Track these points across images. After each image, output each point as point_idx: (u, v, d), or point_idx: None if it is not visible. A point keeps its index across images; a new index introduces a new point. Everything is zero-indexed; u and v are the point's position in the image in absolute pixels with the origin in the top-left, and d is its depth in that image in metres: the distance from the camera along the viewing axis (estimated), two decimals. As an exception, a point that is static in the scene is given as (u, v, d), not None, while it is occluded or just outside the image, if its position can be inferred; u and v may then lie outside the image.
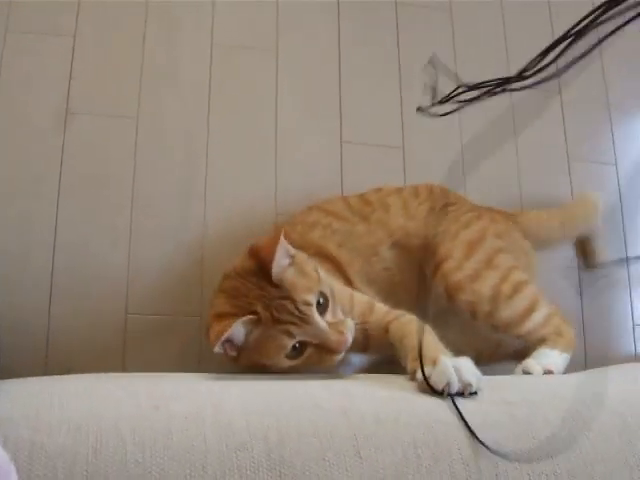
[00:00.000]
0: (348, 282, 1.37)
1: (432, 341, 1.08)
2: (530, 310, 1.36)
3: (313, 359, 1.13)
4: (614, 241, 1.74)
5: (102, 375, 1.07)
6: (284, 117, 1.64)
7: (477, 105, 1.72)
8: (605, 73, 1.88)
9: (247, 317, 1.09)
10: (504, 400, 0.94)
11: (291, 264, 1.15)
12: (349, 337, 1.12)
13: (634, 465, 0.87)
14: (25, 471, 0.78)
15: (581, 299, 1.67)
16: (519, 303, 1.36)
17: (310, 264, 1.18)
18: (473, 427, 0.87)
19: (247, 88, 1.65)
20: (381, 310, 1.26)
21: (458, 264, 1.37)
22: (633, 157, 1.84)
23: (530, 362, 1.30)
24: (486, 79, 1.23)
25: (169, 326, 1.47)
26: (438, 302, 1.38)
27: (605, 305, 1.69)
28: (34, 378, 1.03)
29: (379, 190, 1.51)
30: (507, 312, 1.34)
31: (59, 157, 1.49)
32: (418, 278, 1.41)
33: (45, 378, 1.04)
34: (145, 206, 1.51)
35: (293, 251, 1.18)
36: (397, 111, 1.69)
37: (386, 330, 1.20)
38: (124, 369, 1.39)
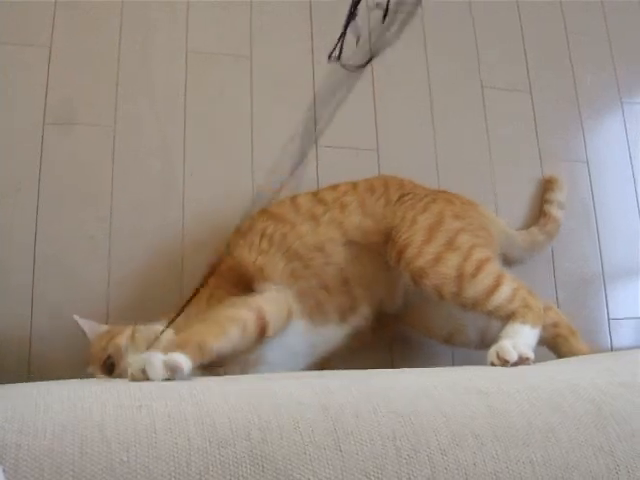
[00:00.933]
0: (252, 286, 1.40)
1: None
2: (495, 285, 1.38)
3: None
4: (588, 237, 1.78)
5: (84, 381, 1.08)
6: (259, 123, 1.67)
7: (451, 104, 1.77)
8: (574, 71, 1.92)
9: None
10: (480, 391, 0.96)
11: None
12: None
13: (608, 451, 0.89)
14: (12, 473, 0.78)
15: (556, 293, 1.70)
16: (484, 280, 1.38)
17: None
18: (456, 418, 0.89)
19: (222, 94, 1.67)
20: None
21: (419, 250, 1.39)
22: (604, 154, 1.87)
23: (505, 346, 1.27)
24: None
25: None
26: (408, 289, 1.44)
27: (581, 299, 1.73)
28: (17, 384, 1.04)
29: (335, 188, 1.53)
30: (473, 290, 1.37)
31: (38, 167, 1.50)
32: (377, 272, 1.45)
33: (28, 384, 1.05)
34: (124, 214, 1.52)
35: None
36: (371, 114, 1.72)
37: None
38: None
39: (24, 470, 0.79)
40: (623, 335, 1.72)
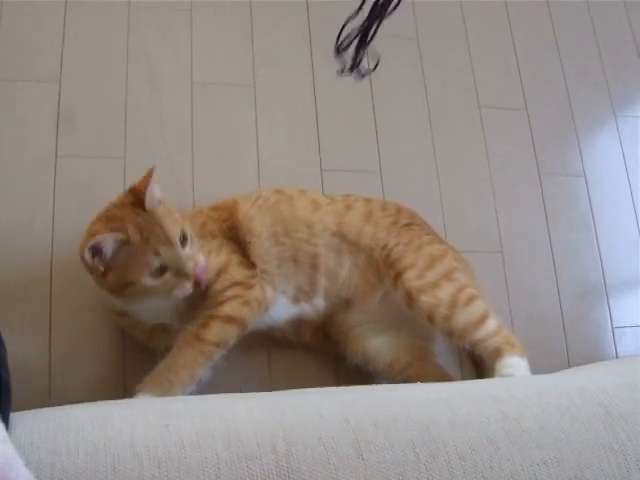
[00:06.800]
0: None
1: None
2: (484, 318, 1.44)
3: (170, 282, 1.27)
4: (588, 248, 1.82)
5: (111, 402, 1.11)
6: (265, 150, 1.70)
7: (449, 124, 1.81)
8: (568, 87, 1.97)
9: (118, 233, 1.23)
10: (493, 398, 1.00)
11: (160, 203, 1.30)
12: (201, 266, 1.30)
13: (618, 450, 0.93)
14: (48, 492, 0.82)
15: (560, 304, 1.73)
16: (474, 311, 1.44)
17: (175, 210, 1.33)
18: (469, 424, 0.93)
19: (228, 123, 1.71)
20: (235, 275, 1.38)
21: (420, 273, 1.45)
22: (600, 167, 1.92)
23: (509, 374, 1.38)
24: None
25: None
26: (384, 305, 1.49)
27: (584, 309, 1.76)
28: (45, 409, 1.07)
29: (348, 195, 1.57)
30: (463, 318, 1.42)
31: (52, 199, 1.54)
32: (350, 275, 1.48)
33: (56, 408, 1.07)
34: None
35: (160, 196, 1.32)
36: (373, 137, 1.76)
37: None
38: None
39: (60, 489, 0.83)
40: (627, 343, 1.74)
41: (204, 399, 1.08)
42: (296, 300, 1.45)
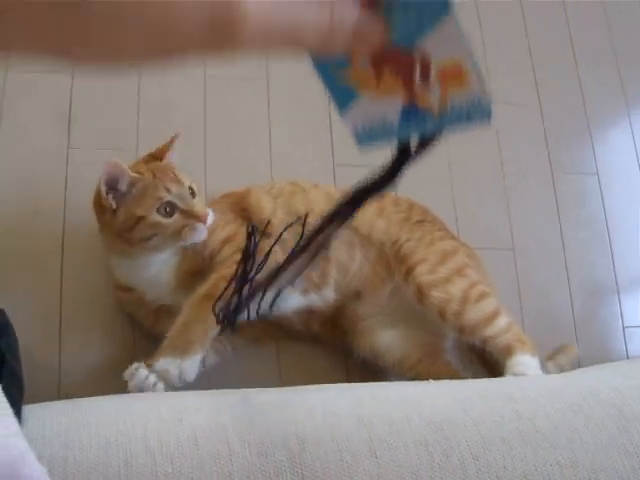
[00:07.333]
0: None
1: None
2: (495, 314, 1.43)
3: (180, 224, 1.30)
4: (600, 247, 1.81)
5: (124, 395, 1.11)
6: (278, 144, 1.69)
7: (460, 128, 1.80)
8: (582, 85, 1.96)
9: (133, 172, 1.28)
10: (506, 396, 1.00)
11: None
12: (210, 216, 1.32)
13: (632, 452, 0.92)
14: (61, 486, 0.82)
15: (572, 303, 1.73)
16: (485, 308, 1.42)
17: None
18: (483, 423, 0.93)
19: (241, 117, 1.71)
20: (241, 242, 1.38)
21: (432, 268, 1.43)
22: (613, 165, 1.91)
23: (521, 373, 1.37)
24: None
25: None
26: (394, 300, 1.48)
27: (595, 308, 1.75)
28: (60, 401, 1.07)
29: None
30: (475, 314, 1.41)
31: (62, 191, 1.54)
32: (361, 269, 1.47)
33: (68, 401, 1.08)
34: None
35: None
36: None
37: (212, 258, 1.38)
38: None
39: (73, 482, 0.83)
40: (637, 342, 1.74)
41: (216, 394, 1.08)
42: (305, 292, 1.44)
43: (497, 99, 1.83)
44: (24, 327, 1.10)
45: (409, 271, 1.44)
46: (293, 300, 1.43)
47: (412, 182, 1.67)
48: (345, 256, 1.46)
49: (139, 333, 1.49)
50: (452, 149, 1.78)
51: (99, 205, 1.32)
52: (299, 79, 1.77)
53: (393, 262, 1.47)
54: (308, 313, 1.47)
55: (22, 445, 0.78)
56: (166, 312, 1.41)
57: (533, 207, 1.81)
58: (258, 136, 1.70)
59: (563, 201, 1.83)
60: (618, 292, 1.77)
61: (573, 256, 1.77)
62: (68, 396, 1.15)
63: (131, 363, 1.29)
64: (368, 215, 1.49)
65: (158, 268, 1.37)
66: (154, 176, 1.31)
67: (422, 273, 1.42)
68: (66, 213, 1.53)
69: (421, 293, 1.41)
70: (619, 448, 0.93)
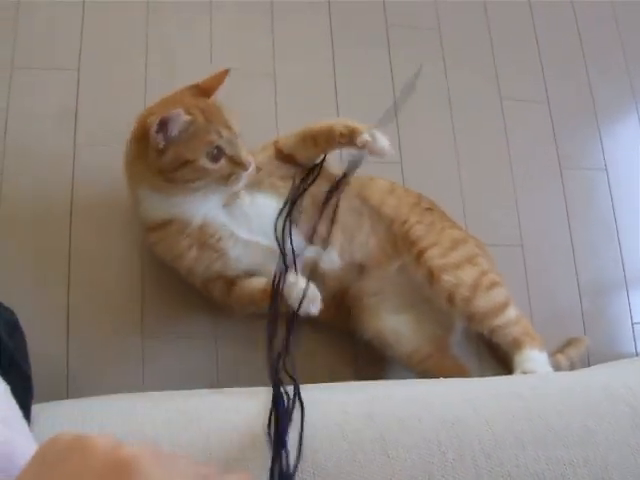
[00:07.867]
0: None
1: None
2: (505, 305, 1.43)
3: (225, 170, 1.28)
4: (609, 243, 1.80)
5: (133, 394, 1.10)
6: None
7: (471, 116, 1.80)
8: (590, 79, 1.95)
9: (188, 115, 1.24)
10: (518, 395, 0.99)
11: None
12: (252, 165, 1.31)
13: (646, 452, 0.92)
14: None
15: (580, 300, 1.72)
16: (496, 297, 1.42)
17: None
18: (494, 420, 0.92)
19: (248, 112, 1.69)
20: None
21: (444, 252, 1.43)
22: (622, 160, 1.90)
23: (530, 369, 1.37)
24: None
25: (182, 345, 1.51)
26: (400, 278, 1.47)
27: (604, 305, 1.75)
28: (69, 400, 1.07)
29: (373, 177, 1.55)
30: (484, 302, 1.40)
31: (70, 188, 1.54)
32: (367, 240, 1.45)
33: (77, 400, 1.08)
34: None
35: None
36: (393, 129, 1.74)
37: None
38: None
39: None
40: (647, 340, 1.74)
41: (225, 392, 1.08)
42: (309, 240, 1.40)
43: (506, 94, 1.84)
44: (32, 326, 1.09)
45: (420, 254, 1.43)
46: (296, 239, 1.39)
47: (421, 178, 1.70)
48: (352, 222, 1.44)
49: (148, 332, 1.49)
50: (460, 145, 1.77)
51: (141, 140, 1.28)
52: (307, 75, 1.79)
53: (401, 242, 1.46)
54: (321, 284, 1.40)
55: (32, 447, 0.77)
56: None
57: (541, 203, 1.80)
58: (265, 131, 1.69)
59: (571, 197, 1.82)
60: (627, 288, 1.76)
61: (581, 252, 1.77)
62: (77, 395, 1.15)
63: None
64: (379, 189, 1.49)
65: (201, 197, 1.33)
66: (205, 119, 1.27)
67: (433, 257, 1.42)
68: (72, 210, 1.53)
69: (432, 276, 1.41)
70: (632, 447, 0.92)
